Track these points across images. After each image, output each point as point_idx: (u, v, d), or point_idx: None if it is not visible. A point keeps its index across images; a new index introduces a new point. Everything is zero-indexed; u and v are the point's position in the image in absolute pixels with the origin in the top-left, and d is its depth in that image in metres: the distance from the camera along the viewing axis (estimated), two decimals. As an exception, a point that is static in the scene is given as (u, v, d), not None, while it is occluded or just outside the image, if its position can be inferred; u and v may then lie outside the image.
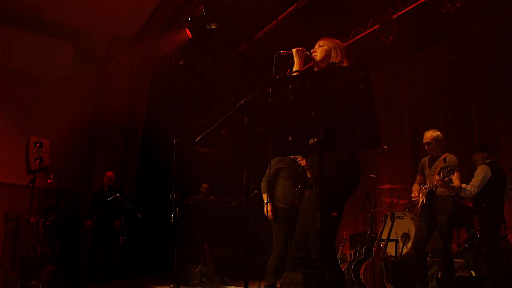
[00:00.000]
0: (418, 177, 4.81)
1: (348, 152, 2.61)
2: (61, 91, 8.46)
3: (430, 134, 4.63)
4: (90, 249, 6.74)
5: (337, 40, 2.91)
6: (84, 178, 8.48)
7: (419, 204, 4.59)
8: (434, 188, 4.47)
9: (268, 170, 4.99)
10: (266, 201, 4.86)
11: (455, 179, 4.38)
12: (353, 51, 7.29)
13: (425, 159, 4.75)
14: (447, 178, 4.23)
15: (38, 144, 6.68)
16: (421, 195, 4.61)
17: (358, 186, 2.71)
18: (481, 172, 4.87)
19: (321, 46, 2.86)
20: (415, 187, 4.78)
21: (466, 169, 5.37)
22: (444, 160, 4.37)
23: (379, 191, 7.05)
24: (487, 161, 5.01)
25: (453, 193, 4.47)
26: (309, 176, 4.70)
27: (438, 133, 4.64)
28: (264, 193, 4.92)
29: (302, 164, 4.79)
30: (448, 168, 4.22)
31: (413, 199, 4.75)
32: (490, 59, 6.72)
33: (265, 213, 4.80)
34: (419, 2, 6.39)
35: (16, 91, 8.04)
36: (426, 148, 4.69)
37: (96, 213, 6.83)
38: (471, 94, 6.98)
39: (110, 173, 7.03)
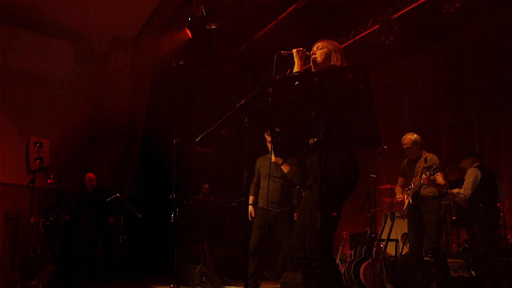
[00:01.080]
0: (400, 179, 4.91)
1: (347, 153, 2.61)
2: (61, 91, 8.45)
3: (408, 139, 4.73)
4: (86, 250, 6.77)
5: (335, 43, 2.91)
6: (84, 178, 8.47)
7: (405, 205, 4.65)
8: (418, 189, 4.54)
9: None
10: (249, 203, 4.89)
11: (439, 177, 4.43)
12: (353, 51, 7.29)
13: (405, 162, 4.88)
14: (433, 177, 4.29)
15: (38, 144, 6.68)
16: (405, 196, 4.68)
17: (355, 188, 2.71)
18: (471, 175, 4.94)
19: (320, 49, 2.84)
20: (398, 189, 4.88)
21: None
22: (425, 160, 4.44)
23: (379, 191, 7.05)
24: (475, 164, 5.08)
25: (436, 194, 4.53)
26: (285, 171, 4.69)
27: (415, 135, 4.73)
28: (249, 195, 4.98)
29: (272, 161, 4.72)
30: (434, 167, 4.28)
31: (398, 200, 4.81)
32: (490, 59, 6.72)
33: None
34: (419, 2, 6.39)
35: (16, 91, 8.04)
36: (407, 152, 4.76)
37: (87, 215, 6.85)
38: (471, 94, 6.99)
39: (89, 174, 6.90)
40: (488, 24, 6.73)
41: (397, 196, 4.84)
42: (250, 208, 4.91)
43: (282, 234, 4.82)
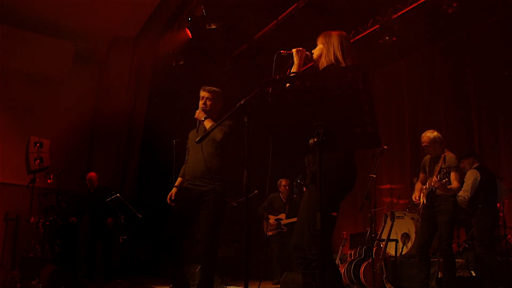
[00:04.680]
0: (420, 175, 4.81)
1: (343, 154, 2.58)
2: (61, 91, 8.45)
3: (427, 137, 4.63)
4: (86, 250, 6.79)
5: (333, 33, 2.76)
6: (84, 178, 8.47)
7: (421, 204, 4.59)
8: (434, 188, 4.47)
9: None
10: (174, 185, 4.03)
11: (453, 180, 4.38)
12: (353, 51, 7.30)
13: (427, 158, 4.75)
14: (444, 180, 4.24)
15: (38, 144, 6.67)
16: (421, 195, 4.61)
17: (352, 188, 2.66)
18: (470, 177, 4.92)
19: (317, 45, 2.82)
20: (418, 185, 4.76)
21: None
22: (444, 159, 4.36)
23: (379, 191, 7.05)
24: (474, 165, 5.05)
25: (451, 193, 4.47)
26: (207, 127, 3.75)
27: (435, 133, 4.62)
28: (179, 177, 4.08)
29: (195, 116, 3.97)
30: (444, 170, 4.22)
31: (414, 202, 4.75)
32: (490, 59, 6.72)
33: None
34: (419, 2, 6.39)
35: (16, 91, 8.04)
36: (425, 150, 4.70)
37: (88, 215, 6.85)
38: (471, 94, 6.99)
39: (91, 174, 7.00)
40: (488, 24, 6.74)
41: (414, 196, 4.75)
42: (173, 190, 4.00)
43: (202, 219, 3.76)
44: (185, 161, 4.05)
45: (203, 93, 4.06)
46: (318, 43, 2.79)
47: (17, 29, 7.72)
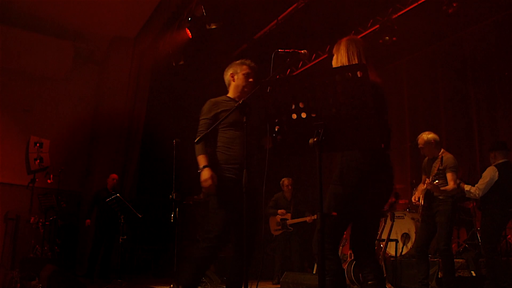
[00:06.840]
0: (423, 177, 4.82)
1: (355, 154, 2.50)
2: (61, 91, 8.47)
3: (422, 138, 4.63)
4: (91, 249, 6.76)
5: (342, 40, 2.84)
6: (84, 178, 8.48)
7: (420, 206, 4.60)
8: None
9: (204, 120, 3.39)
10: (202, 166, 3.19)
11: (450, 180, 4.36)
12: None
13: (426, 159, 4.76)
14: (437, 181, 4.22)
15: (38, 144, 6.68)
16: (421, 196, 4.61)
17: (369, 190, 2.46)
18: (487, 175, 4.76)
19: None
20: (420, 186, 4.76)
21: (467, 169, 5.36)
22: (441, 160, 4.36)
23: (379, 191, 7.03)
24: (499, 161, 4.81)
25: (449, 194, 4.46)
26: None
27: (430, 135, 4.61)
28: (199, 154, 3.26)
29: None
30: (436, 171, 4.21)
31: (413, 203, 4.75)
32: (490, 59, 6.71)
33: (203, 183, 3.15)
34: (419, 2, 6.39)
35: (16, 91, 8.05)
36: (421, 152, 4.70)
37: (98, 213, 6.84)
38: (471, 94, 6.98)
39: (115, 175, 7.09)
40: (488, 24, 6.73)
41: (413, 197, 4.74)
42: (208, 172, 3.14)
43: (253, 217, 3.13)
44: (198, 137, 3.23)
45: (247, 69, 3.51)
46: (333, 53, 2.83)
47: (17, 29, 7.73)
